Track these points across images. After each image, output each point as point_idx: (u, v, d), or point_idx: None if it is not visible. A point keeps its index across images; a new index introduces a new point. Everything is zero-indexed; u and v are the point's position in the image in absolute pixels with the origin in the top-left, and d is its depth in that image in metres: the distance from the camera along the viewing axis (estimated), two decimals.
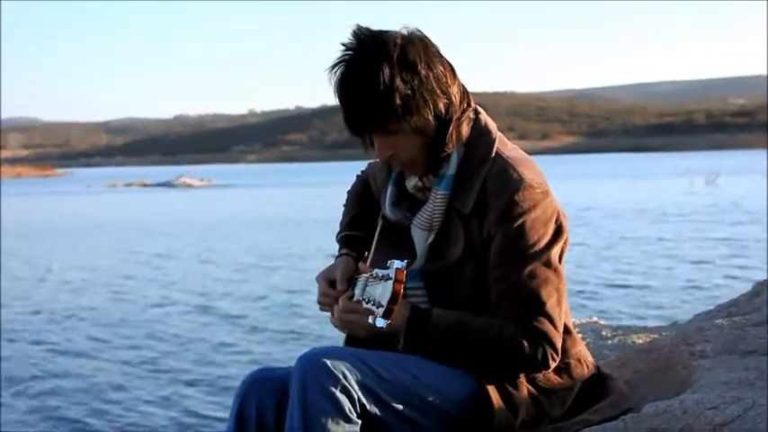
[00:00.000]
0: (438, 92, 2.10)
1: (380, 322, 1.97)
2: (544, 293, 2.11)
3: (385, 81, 2.03)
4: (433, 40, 2.16)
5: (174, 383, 8.86)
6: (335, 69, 2.09)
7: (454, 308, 2.16)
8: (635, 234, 21.22)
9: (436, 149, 2.17)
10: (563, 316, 2.18)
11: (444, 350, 2.12)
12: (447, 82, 2.12)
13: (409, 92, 2.05)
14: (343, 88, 2.09)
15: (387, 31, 2.11)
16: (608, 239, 20.17)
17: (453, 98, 2.13)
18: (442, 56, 2.14)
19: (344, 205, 2.62)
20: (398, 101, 2.05)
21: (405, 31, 2.12)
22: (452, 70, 2.15)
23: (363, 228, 2.51)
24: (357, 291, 2.11)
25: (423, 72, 2.07)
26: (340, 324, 2.18)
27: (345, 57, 2.08)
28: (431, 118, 2.10)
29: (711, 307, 4.01)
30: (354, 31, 2.10)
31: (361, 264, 2.35)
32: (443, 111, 2.12)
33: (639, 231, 21.87)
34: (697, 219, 24.61)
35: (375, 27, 2.13)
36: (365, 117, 2.09)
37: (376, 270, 2.05)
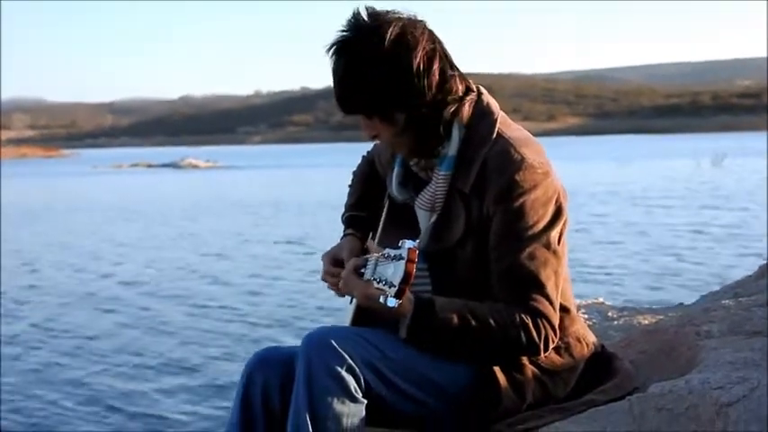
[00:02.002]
0: (403, 84, 2.08)
1: (392, 302, 1.96)
2: (543, 275, 2.11)
3: (348, 69, 2.08)
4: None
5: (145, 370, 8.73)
6: (327, 51, 2.12)
7: (456, 287, 2.16)
8: (641, 215, 21.20)
9: (415, 138, 2.17)
10: (559, 297, 2.18)
11: (447, 343, 2.10)
12: (416, 74, 2.07)
13: (368, 82, 2.07)
14: (332, 70, 2.13)
15: (377, 15, 2.10)
16: (613, 220, 20.15)
17: (423, 91, 2.09)
18: (423, 46, 2.09)
19: (350, 186, 2.62)
20: (360, 90, 2.08)
21: (397, 15, 2.11)
22: (431, 59, 2.09)
23: (368, 208, 2.51)
24: (368, 271, 2.09)
25: (385, 63, 2.06)
26: (346, 292, 2.20)
27: (335, 40, 2.11)
28: (394, 110, 2.11)
29: (717, 288, 4.01)
30: (353, 13, 2.11)
31: (369, 242, 2.35)
32: (410, 104, 2.10)
33: (645, 212, 21.85)
34: (703, 200, 24.59)
35: (380, 7, 2.14)
36: (339, 100, 2.14)
37: (387, 250, 2.03)
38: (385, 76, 2.06)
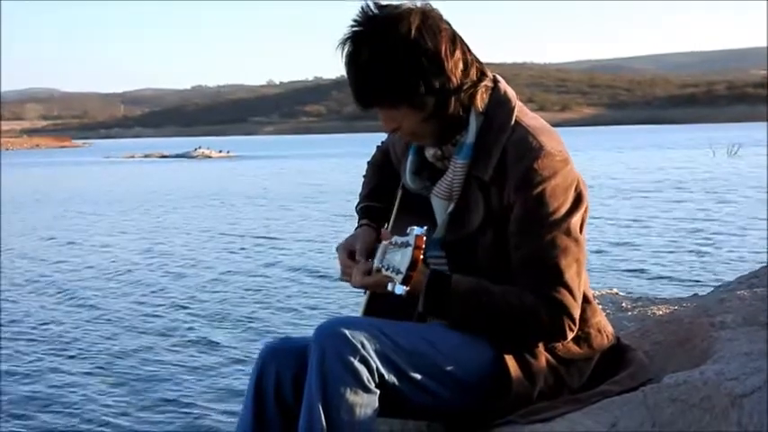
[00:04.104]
0: (433, 69, 2.08)
1: (399, 289, 1.97)
2: (564, 263, 2.10)
3: (375, 59, 2.05)
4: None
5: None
6: (341, 45, 2.11)
7: (474, 276, 2.16)
8: (656, 205, 21.12)
9: (440, 123, 2.16)
10: (582, 286, 2.17)
11: (463, 314, 2.13)
12: (444, 57, 2.08)
13: (399, 69, 2.05)
14: (345, 64, 2.11)
15: (388, 7, 2.10)
16: (629, 211, 20.09)
17: (450, 74, 2.10)
18: (445, 30, 2.10)
19: (364, 176, 2.62)
20: (388, 78, 2.06)
21: (411, 4, 2.11)
22: (453, 43, 2.11)
23: (383, 198, 2.51)
24: (376, 258, 2.10)
25: (415, 49, 2.05)
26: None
27: (347, 33, 2.10)
28: (424, 94, 2.10)
29: (732, 279, 3.99)
30: (362, 7, 2.10)
31: (383, 232, 2.35)
32: (439, 87, 2.10)
33: (660, 203, 21.77)
34: (717, 191, 24.45)
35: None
36: (362, 92, 2.12)
37: (395, 237, 2.04)
38: (416, 60, 2.06)
